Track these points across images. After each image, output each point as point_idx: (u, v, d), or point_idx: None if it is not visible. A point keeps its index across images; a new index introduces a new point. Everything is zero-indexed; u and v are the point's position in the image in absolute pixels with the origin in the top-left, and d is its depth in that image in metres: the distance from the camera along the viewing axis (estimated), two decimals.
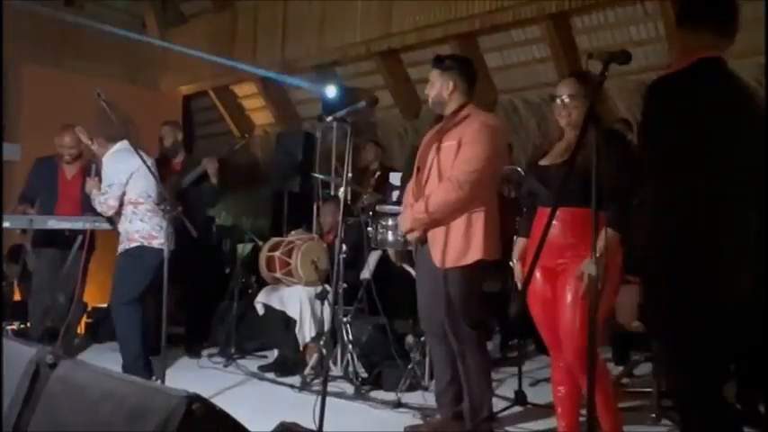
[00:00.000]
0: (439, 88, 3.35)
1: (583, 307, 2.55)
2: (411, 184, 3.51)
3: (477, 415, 3.27)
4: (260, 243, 5.50)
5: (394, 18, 6.66)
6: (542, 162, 2.95)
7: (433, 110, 3.49)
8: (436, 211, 3.23)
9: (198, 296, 5.50)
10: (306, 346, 4.68)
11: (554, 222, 2.71)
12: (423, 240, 3.34)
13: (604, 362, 2.90)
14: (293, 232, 5.16)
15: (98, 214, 4.61)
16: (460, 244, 3.20)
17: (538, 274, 2.86)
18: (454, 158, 3.22)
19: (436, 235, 3.28)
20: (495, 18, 6.07)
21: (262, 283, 5.29)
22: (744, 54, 4.81)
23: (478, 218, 3.22)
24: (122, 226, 4.33)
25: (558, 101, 2.90)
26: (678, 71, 2.19)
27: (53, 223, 4.44)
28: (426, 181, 3.34)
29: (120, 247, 4.35)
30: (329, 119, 3.34)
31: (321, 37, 7.25)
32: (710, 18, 2.23)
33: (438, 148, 3.32)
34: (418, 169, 3.43)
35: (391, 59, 7.25)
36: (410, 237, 3.40)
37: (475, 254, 3.19)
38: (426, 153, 3.39)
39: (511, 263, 3.25)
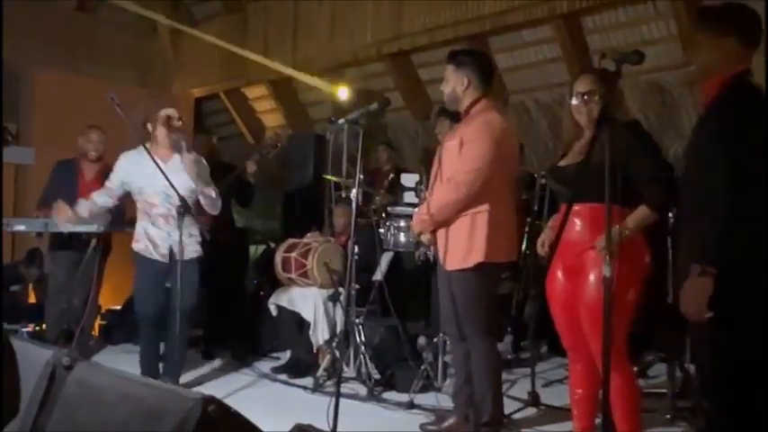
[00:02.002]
0: (453, 84, 3.28)
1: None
2: (431, 186, 3.50)
3: (479, 418, 3.25)
4: (272, 245, 5.52)
5: (404, 19, 6.65)
6: (561, 163, 2.92)
7: (449, 108, 3.43)
8: (436, 212, 3.20)
9: (217, 298, 5.54)
10: (319, 347, 4.69)
11: (574, 220, 2.72)
12: (432, 241, 3.33)
13: (631, 366, 2.86)
14: (309, 234, 5.17)
15: (114, 216, 4.67)
16: (463, 246, 3.16)
17: (559, 274, 2.84)
18: (455, 158, 3.18)
19: (441, 237, 3.26)
20: (506, 18, 6.04)
21: (273, 285, 5.30)
22: None
23: (482, 218, 3.15)
24: (189, 229, 4.20)
25: (577, 98, 2.83)
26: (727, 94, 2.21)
27: (68, 226, 4.47)
28: (435, 181, 3.32)
29: (191, 251, 4.24)
30: (341, 121, 3.34)
31: (332, 39, 7.25)
32: (742, 31, 2.26)
33: (445, 148, 3.29)
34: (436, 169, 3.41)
35: (402, 61, 7.25)
36: (422, 239, 3.39)
37: (476, 256, 3.13)
38: (440, 152, 3.37)
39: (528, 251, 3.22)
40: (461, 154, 3.16)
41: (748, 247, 2.06)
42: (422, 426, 3.55)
